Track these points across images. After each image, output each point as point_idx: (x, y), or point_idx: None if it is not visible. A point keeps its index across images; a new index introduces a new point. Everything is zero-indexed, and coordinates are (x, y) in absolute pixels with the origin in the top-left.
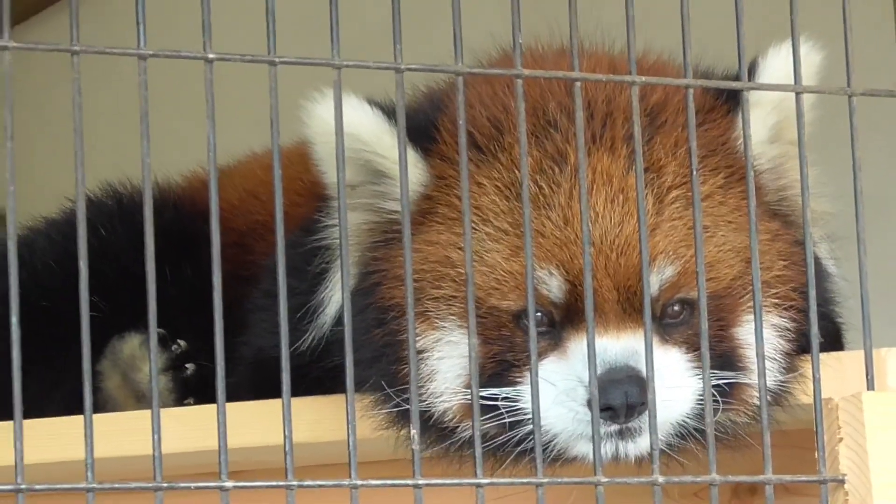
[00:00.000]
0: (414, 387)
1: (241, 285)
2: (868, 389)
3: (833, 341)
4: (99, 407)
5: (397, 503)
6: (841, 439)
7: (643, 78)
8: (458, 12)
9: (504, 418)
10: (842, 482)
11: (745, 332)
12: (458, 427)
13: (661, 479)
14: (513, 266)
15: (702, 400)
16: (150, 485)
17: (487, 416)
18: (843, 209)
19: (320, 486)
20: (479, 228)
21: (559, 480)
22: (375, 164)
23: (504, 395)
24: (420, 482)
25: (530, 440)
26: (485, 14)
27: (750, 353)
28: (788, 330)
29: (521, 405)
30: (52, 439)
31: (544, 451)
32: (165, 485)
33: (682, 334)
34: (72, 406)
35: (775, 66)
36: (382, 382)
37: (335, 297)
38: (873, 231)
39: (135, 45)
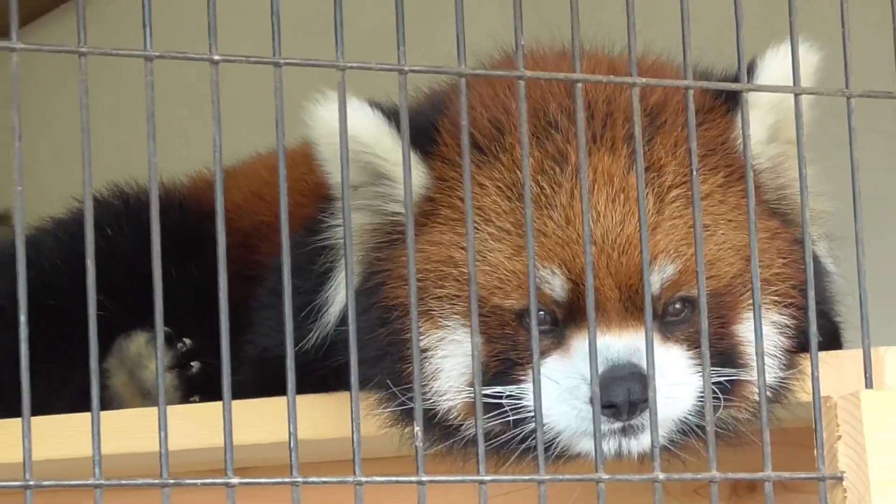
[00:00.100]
0: (417, 385)
1: (246, 285)
2: (866, 388)
3: (831, 340)
4: (105, 404)
5: (401, 500)
6: (839, 437)
7: (644, 79)
8: (461, 14)
9: (508, 416)
10: (840, 479)
11: (745, 330)
12: (462, 425)
13: (661, 475)
14: (515, 265)
15: (703, 397)
16: (157, 481)
17: (491, 413)
18: (841, 209)
19: (325, 482)
20: (481, 228)
21: (561, 477)
22: (376, 166)
23: (508, 394)
24: (424, 479)
25: (534, 438)
26: (485, 16)
27: (750, 350)
28: (788, 327)
29: (524, 403)
30: (60, 436)
31: (548, 448)
32: (172, 481)
33: (684, 332)
34: (78, 404)
35: (773, 66)
36: (387, 381)
37: (339, 296)
38: (871, 231)
39: (140, 46)
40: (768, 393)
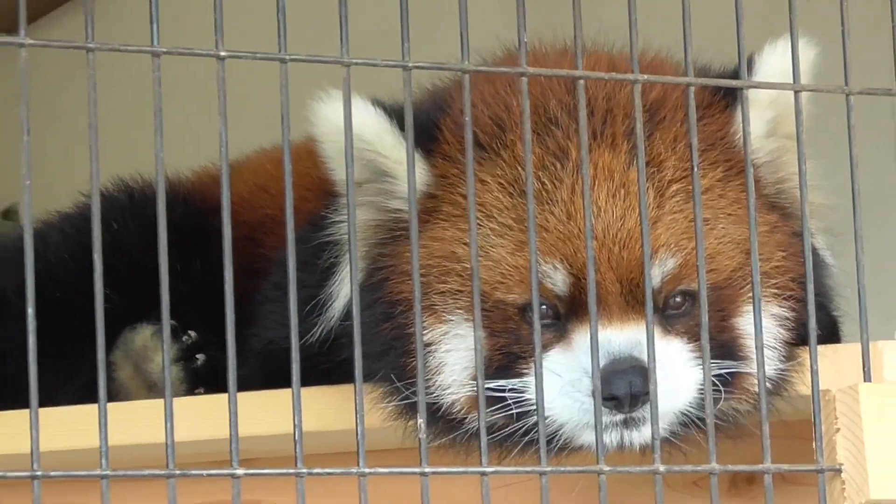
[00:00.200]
0: (421, 378)
1: (250, 278)
2: (865, 381)
3: (830, 333)
4: (111, 396)
5: (404, 491)
6: (838, 430)
7: (645, 76)
8: (465, 12)
9: (510, 409)
10: (839, 472)
11: (745, 323)
12: (465, 418)
13: (661, 468)
14: (517, 260)
15: (703, 389)
16: (163, 472)
17: (494, 407)
18: (840, 206)
19: (329, 473)
20: (483, 224)
21: (562, 469)
22: (378, 164)
23: (510, 387)
24: (427, 470)
25: (536, 430)
26: (486, 15)
27: (750, 343)
28: (788, 319)
29: (527, 396)
30: (67, 428)
31: (551, 440)
32: (178, 472)
33: (684, 325)
34: (84, 399)
35: (771, 62)
36: (391, 375)
37: (343, 291)
38: (869, 228)
39: (147, 42)
40: (768, 384)
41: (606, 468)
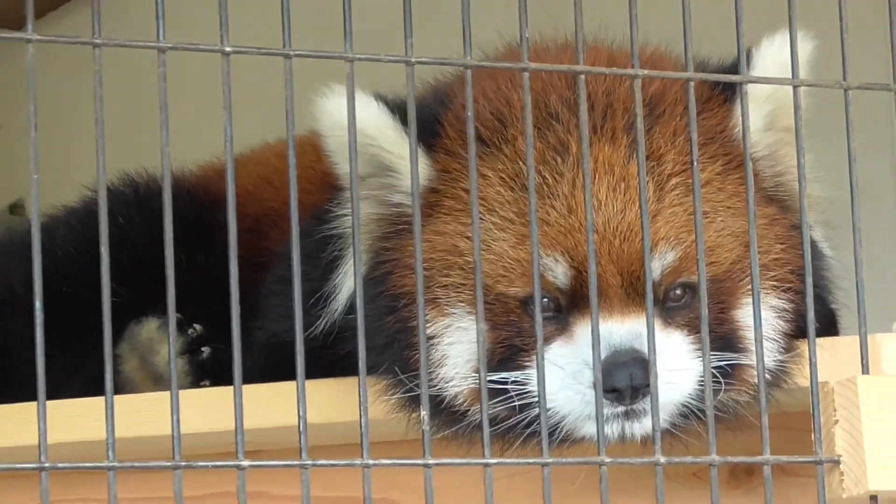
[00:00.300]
0: (424, 370)
1: (255, 271)
2: (863, 373)
3: (828, 325)
4: (117, 389)
5: (408, 482)
6: (836, 421)
7: (645, 71)
8: (467, 7)
9: (513, 401)
10: (837, 463)
11: (745, 315)
12: (468, 410)
13: (662, 459)
14: (519, 254)
15: (703, 381)
16: (169, 463)
17: (497, 399)
18: (838, 198)
19: (333, 465)
20: (485, 218)
21: (563, 461)
22: (381, 158)
23: (513, 379)
24: (430, 462)
25: (538, 422)
26: (487, 10)
27: (750, 335)
28: (787, 311)
29: (529, 388)
30: (74, 420)
31: (553, 432)
32: (184, 464)
33: (685, 317)
34: (90, 390)
35: (770, 56)
36: (395, 368)
37: (347, 284)
38: (867, 220)
39: (153, 38)
40: (767, 376)
41: (608, 459)
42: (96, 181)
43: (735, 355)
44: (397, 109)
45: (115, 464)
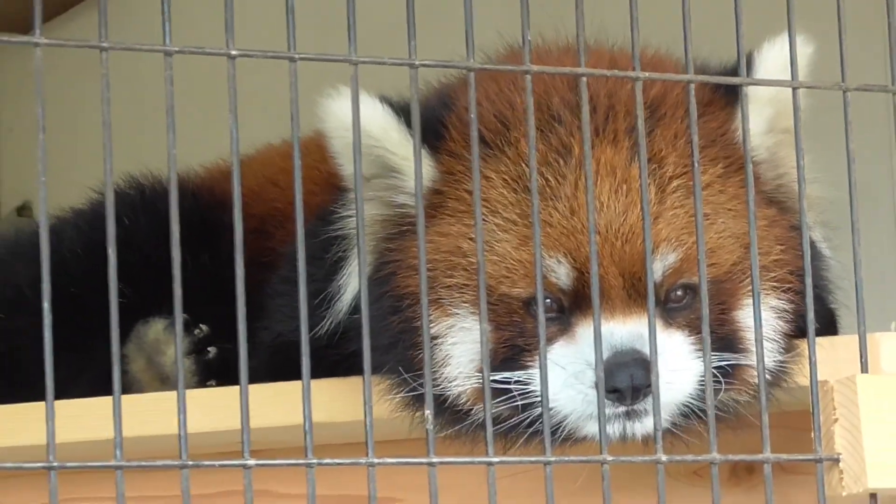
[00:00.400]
0: (428, 370)
1: (260, 271)
2: (862, 372)
3: (828, 325)
4: (124, 389)
5: (412, 481)
6: (836, 420)
7: (646, 74)
8: (471, 10)
9: (516, 401)
10: (837, 461)
11: (745, 316)
12: (471, 410)
13: (664, 457)
14: (522, 255)
15: (704, 381)
16: (176, 463)
17: (500, 398)
18: (837, 198)
19: (338, 464)
20: (488, 220)
21: (566, 459)
22: (385, 160)
23: (515, 379)
24: (434, 460)
25: (541, 421)
26: (490, 13)
27: (750, 336)
28: (787, 311)
29: (532, 388)
30: (82, 420)
31: (555, 432)
32: (191, 463)
33: (685, 318)
34: (97, 390)
35: (770, 59)
36: (399, 367)
37: (352, 284)
38: (865, 221)
39: (159, 41)
40: (768, 376)
41: (610, 458)
42: (103, 183)
43: (735, 356)
44: (402, 111)
45: (123, 463)
